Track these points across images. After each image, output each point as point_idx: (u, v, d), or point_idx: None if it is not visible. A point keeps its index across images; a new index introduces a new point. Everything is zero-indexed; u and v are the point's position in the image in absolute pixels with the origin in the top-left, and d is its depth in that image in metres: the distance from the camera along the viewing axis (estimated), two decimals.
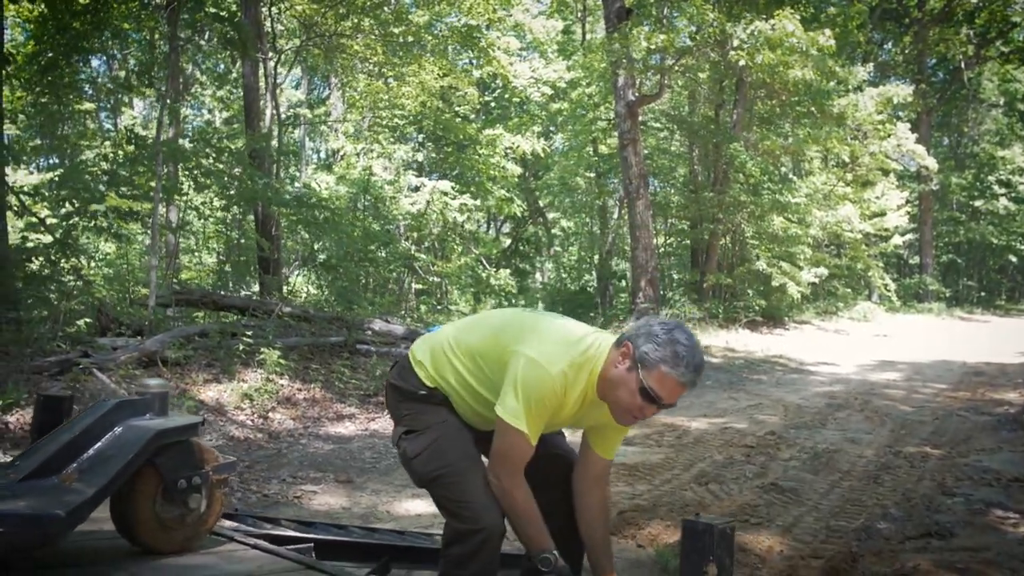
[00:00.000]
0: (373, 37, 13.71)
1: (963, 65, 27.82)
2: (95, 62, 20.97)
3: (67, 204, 9.73)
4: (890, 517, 4.30)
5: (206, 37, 12.16)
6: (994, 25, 26.39)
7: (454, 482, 2.02)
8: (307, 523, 2.80)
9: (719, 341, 14.28)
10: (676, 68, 17.33)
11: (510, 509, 1.96)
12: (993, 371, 11.96)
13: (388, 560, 2.67)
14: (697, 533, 1.20)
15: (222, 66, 19.55)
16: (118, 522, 1.73)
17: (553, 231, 26.61)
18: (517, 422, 1.90)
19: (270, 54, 13.37)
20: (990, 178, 30.94)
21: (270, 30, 13.54)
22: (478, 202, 17.86)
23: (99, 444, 1.63)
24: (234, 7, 13.07)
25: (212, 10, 11.59)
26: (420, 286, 18.11)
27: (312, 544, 2.12)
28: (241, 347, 7.32)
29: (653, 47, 15.02)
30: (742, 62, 14.56)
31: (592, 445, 2.17)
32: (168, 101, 10.45)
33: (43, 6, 9.20)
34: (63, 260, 8.99)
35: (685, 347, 1.89)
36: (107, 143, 14.28)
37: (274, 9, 13.79)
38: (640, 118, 18.28)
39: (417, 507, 4.56)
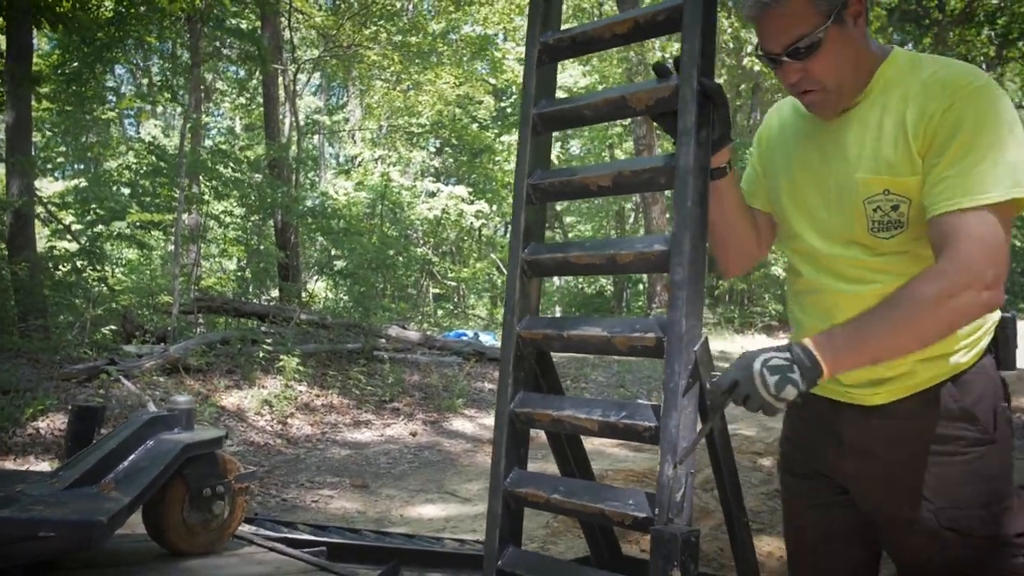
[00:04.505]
0: (391, 47, 13.93)
1: (985, 66, 27.61)
2: (118, 69, 21.43)
3: (92, 213, 10.05)
4: None
5: (227, 49, 12.42)
6: (1016, 26, 26.17)
7: None
8: (322, 527, 2.96)
9: (734, 347, 14.33)
10: None
11: None
12: (1010, 378, 11.92)
13: (398, 563, 2.83)
14: (664, 541, 1.34)
15: (241, 72, 19.90)
16: (149, 527, 1.90)
17: (570, 235, 26.72)
18: None
19: (289, 65, 13.62)
20: None
21: (289, 41, 13.79)
22: (495, 207, 18.03)
23: (133, 456, 1.80)
24: (252, 16, 13.35)
25: (233, 21, 11.88)
26: (437, 291, 18.32)
27: (325, 547, 2.28)
28: (261, 354, 7.52)
29: (668, 55, 15.14)
30: (757, 68, 14.65)
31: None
32: (192, 116, 10.71)
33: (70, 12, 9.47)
34: (89, 268, 9.28)
35: None
36: (130, 153, 14.65)
37: (292, 21, 14.04)
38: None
39: (429, 511, 4.73)
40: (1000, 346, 1.49)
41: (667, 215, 18.55)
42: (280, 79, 13.39)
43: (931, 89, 1.34)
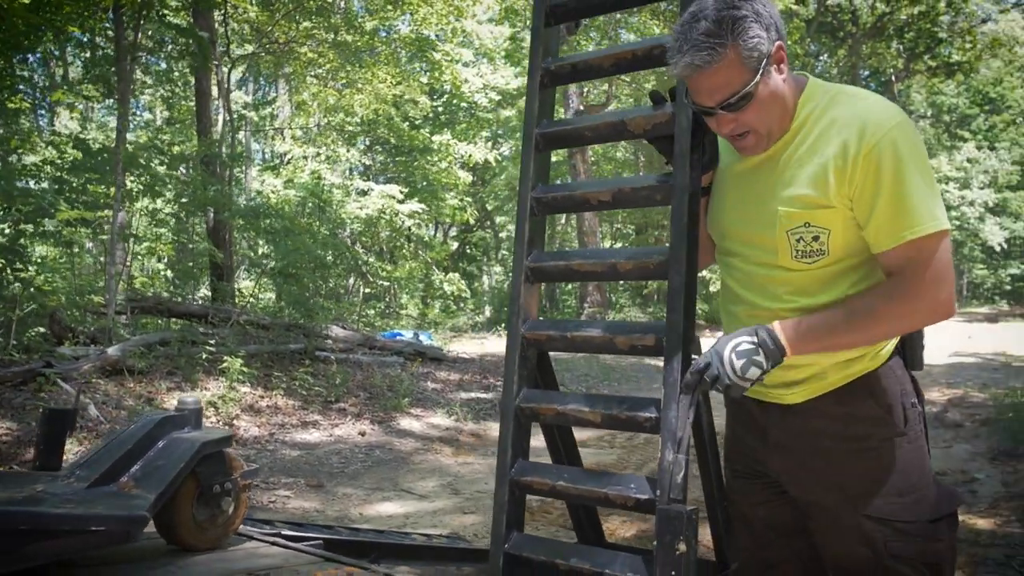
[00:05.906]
0: (326, 44, 13.80)
1: (893, 78, 29.18)
2: (30, 57, 20.39)
3: (13, 210, 9.59)
4: None
5: (165, 48, 12.06)
6: (922, 41, 27.73)
7: None
8: (299, 524, 3.03)
9: None
10: (622, 78, 17.82)
11: None
12: (920, 372, 12.69)
13: (376, 556, 2.95)
14: (671, 518, 1.49)
15: (164, 64, 19.28)
16: (160, 524, 1.94)
17: (501, 235, 26.92)
18: None
19: (223, 60, 13.35)
20: None
21: (223, 35, 13.50)
22: (432, 207, 18.04)
23: (149, 454, 1.84)
24: (178, 5, 12.95)
25: (166, 12, 11.53)
26: (369, 291, 18.22)
27: (321, 541, 2.36)
28: (204, 355, 7.41)
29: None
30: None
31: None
32: (133, 113, 10.39)
33: None
34: (8, 269, 8.88)
35: (675, 30, 1.45)
36: (50, 147, 14.03)
37: (226, 15, 13.74)
38: None
39: (387, 509, 4.80)
40: (907, 349, 1.64)
41: (598, 216, 18.94)
42: (213, 74, 13.10)
43: (849, 128, 1.44)
